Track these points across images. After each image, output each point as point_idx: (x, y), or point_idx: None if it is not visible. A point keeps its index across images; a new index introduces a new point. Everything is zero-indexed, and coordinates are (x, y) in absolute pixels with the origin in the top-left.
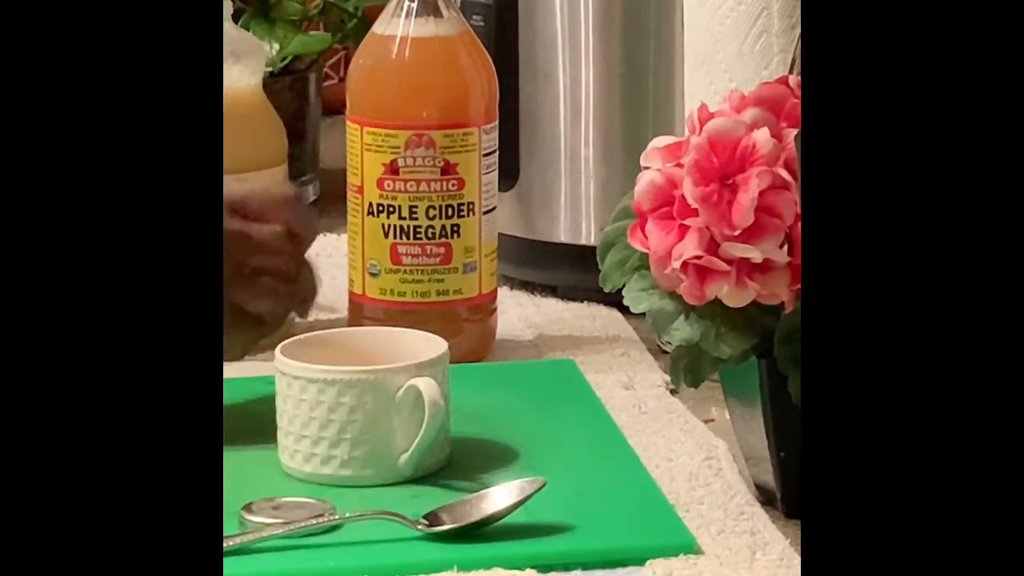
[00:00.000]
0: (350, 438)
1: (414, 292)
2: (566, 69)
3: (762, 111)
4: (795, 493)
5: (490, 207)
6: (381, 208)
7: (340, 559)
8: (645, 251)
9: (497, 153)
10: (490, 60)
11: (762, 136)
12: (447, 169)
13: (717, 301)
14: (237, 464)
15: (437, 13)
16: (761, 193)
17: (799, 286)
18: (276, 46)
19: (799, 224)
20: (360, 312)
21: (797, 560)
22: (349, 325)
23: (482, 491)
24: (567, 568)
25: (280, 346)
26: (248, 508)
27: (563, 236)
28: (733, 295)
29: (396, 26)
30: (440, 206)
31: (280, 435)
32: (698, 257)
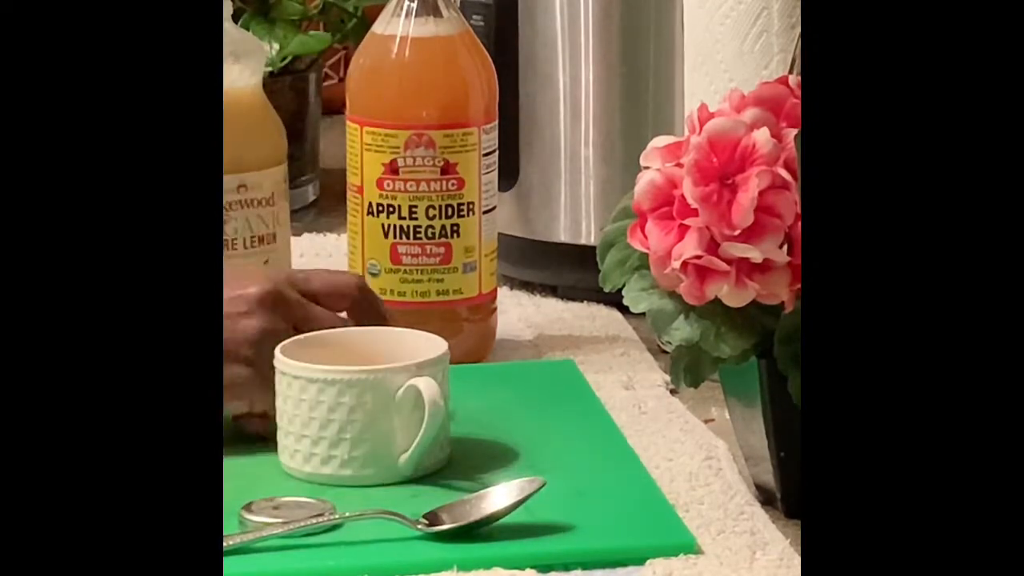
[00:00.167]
0: (350, 438)
1: (414, 292)
2: (566, 69)
3: (762, 111)
4: (795, 493)
5: (490, 207)
6: (381, 208)
7: (340, 559)
8: (645, 251)
9: (497, 153)
10: (490, 60)
11: (762, 136)
12: (447, 169)
13: (717, 301)
14: (237, 464)
15: (437, 13)
16: (761, 193)
17: (799, 286)
18: (276, 46)
19: (799, 224)
20: None
21: (797, 560)
22: None
23: (482, 491)
24: (567, 568)
25: (280, 346)
26: (248, 508)
27: (563, 236)
28: (733, 295)
29: (396, 26)
30: (440, 206)
31: (280, 435)
32: (698, 257)
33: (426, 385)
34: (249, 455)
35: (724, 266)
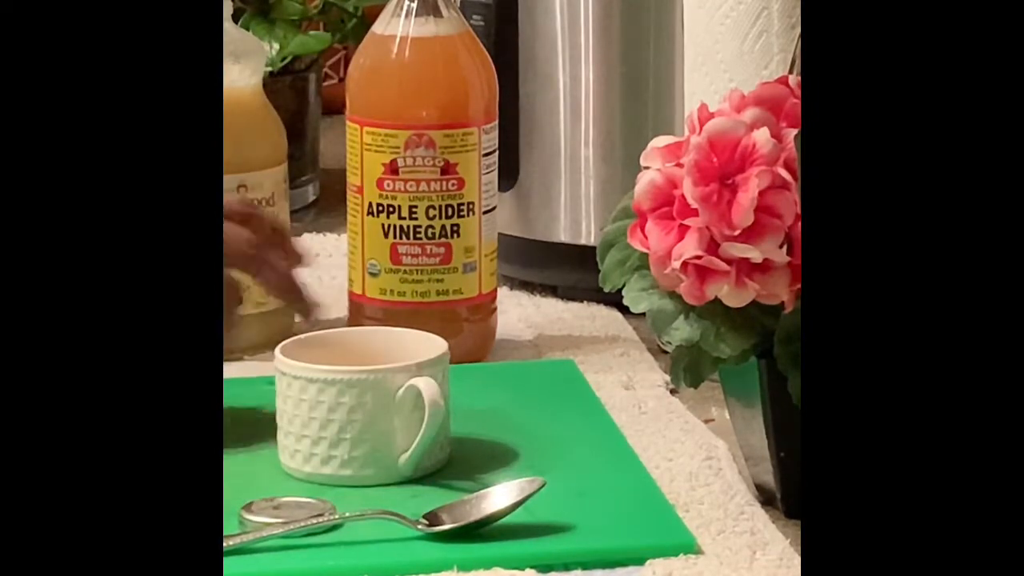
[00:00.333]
0: (350, 438)
1: (414, 292)
2: (566, 69)
3: (762, 111)
4: (795, 493)
5: (490, 207)
6: (381, 208)
7: (340, 559)
8: (645, 251)
9: (497, 153)
10: (490, 60)
11: (762, 136)
12: (447, 169)
13: (717, 301)
14: (237, 464)
15: (437, 13)
16: (761, 193)
17: (799, 286)
18: (276, 46)
19: (799, 224)
20: (360, 312)
21: (797, 560)
22: (349, 325)
23: (482, 491)
24: (567, 568)
25: (280, 346)
26: (248, 508)
27: (563, 236)
28: (733, 295)
29: (396, 26)
30: (440, 206)
31: (280, 435)
32: (698, 257)
33: (426, 385)
34: (249, 455)
35: (724, 266)
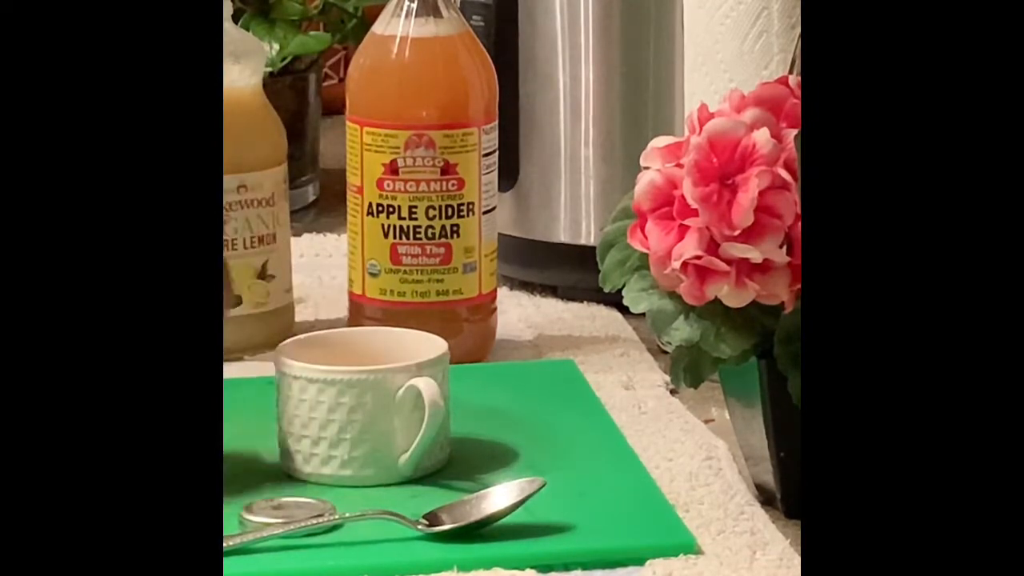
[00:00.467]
0: (350, 438)
1: (414, 292)
2: (566, 69)
3: (762, 111)
4: (795, 493)
5: (490, 207)
6: (381, 208)
7: (340, 559)
8: (645, 251)
9: (497, 153)
10: (490, 60)
11: (762, 136)
12: (447, 169)
13: (717, 301)
14: (237, 464)
15: (437, 13)
16: (761, 193)
17: (799, 286)
18: (276, 46)
19: (799, 224)
20: (360, 312)
21: (797, 560)
22: (349, 325)
23: (482, 491)
24: (567, 568)
25: (280, 346)
26: (248, 508)
27: (563, 236)
28: (733, 295)
29: (396, 26)
30: (440, 206)
31: (280, 435)
32: (698, 257)
33: (426, 385)
34: (249, 455)
35: (724, 266)
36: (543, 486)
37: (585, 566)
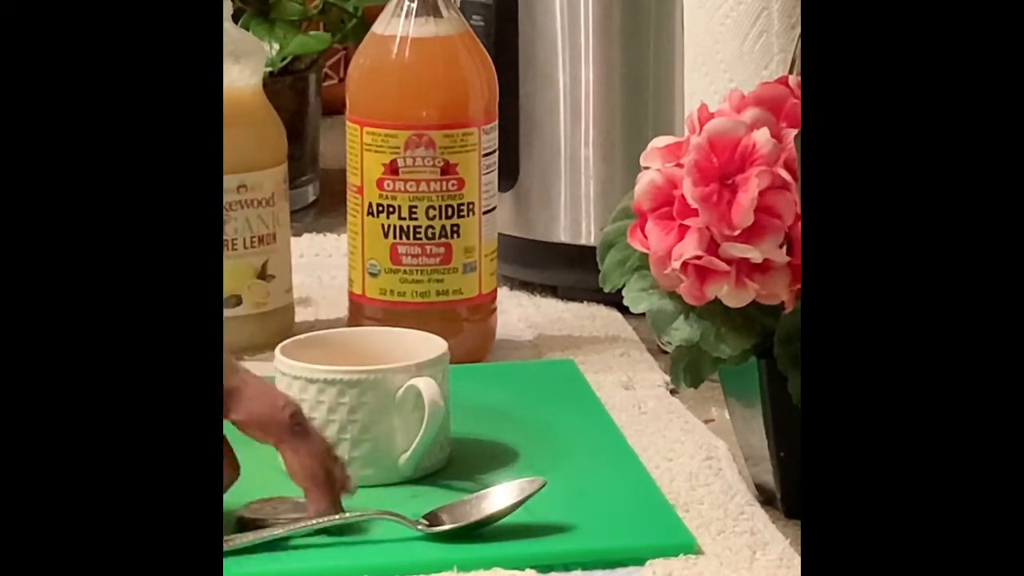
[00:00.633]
0: (350, 438)
1: (414, 292)
2: (566, 69)
3: (762, 111)
4: (795, 493)
5: (490, 207)
6: (381, 208)
7: (340, 559)
8: (645, 251)
9: (497, 153)
10: (490, 60)
11: (762, 136)
12: (447, 169)
13: (717, 301)
14: None
15: (437, 13)
16: (761, 193)
17: (799, 286)
18: (276, 46)
19: (799, 224)
20: (360, 312)
21: (797, 560)
22: (349, 325)
23: (482, 491)
24: (567, 568)
25: (280, 346)
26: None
27: (563, 236)
28: (733, 295)
29: (396, 26)
30: (440, 206)
31: None
32: (698, 257)
33: (426, 385)
34: (249, 455)
35: (724, 266)
36: (543, 486)
37: (585, 566)
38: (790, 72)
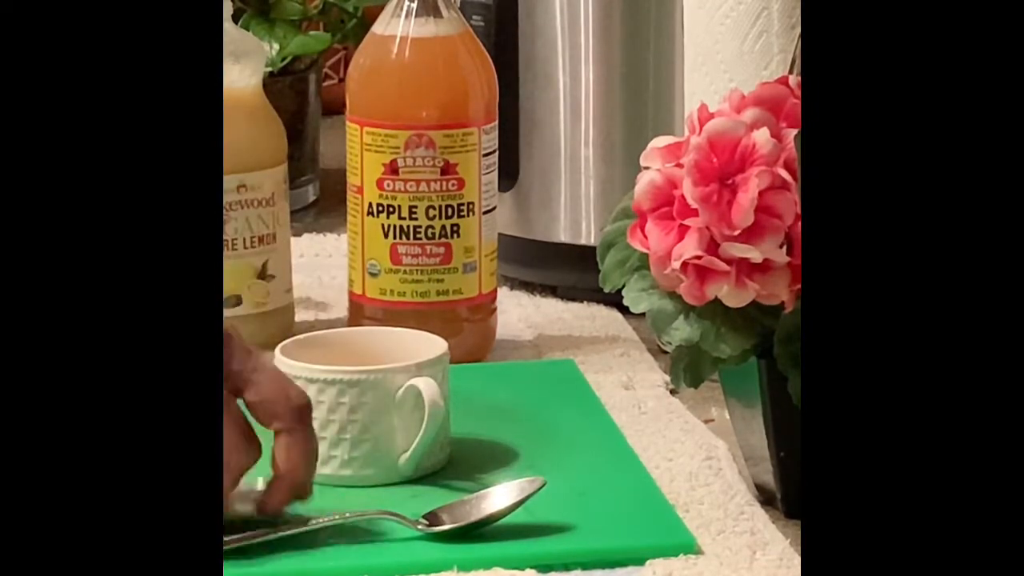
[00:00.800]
0: (350, 438)
1: (414, 292)
2: (566, 69)
3: (762, 111)
4: (795, 493)
5: (490, 207)
6: (381, 208)
7: (340, 559)
8: (645, 251)
9: (497, 153)
10: (490, 60)
11: (762, 136)
12: (447, 169)
13: (717, 301)
14: None
15: (437, 13)
16: (761, 193)
17: (799, 286)
18: (276, 46)
19: (799, 224)
20: (360, 312)
21: (797, 560)
22: (349, 325)
23: (482, 491)
24: (567, 568)
25: (280, 346)
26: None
27: (563, 236)
28: (733, 295)
29: (396, 26)
30: (440, 206)
31: None
32: (698, 257)
33: (426, 385)
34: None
35: (724, 266)
36: (543, 486)
37: (585, 566)
38: (790, 72)
